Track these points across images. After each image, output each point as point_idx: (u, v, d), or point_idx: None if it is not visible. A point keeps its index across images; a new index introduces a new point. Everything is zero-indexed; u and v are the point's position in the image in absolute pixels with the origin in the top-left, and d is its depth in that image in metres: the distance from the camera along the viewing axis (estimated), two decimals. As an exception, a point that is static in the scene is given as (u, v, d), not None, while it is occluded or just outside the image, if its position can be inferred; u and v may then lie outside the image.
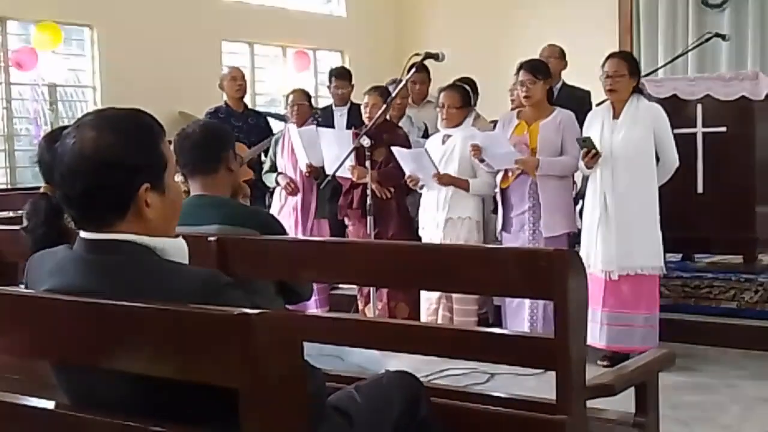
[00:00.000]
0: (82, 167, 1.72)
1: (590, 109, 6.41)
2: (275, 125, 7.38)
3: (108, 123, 1.77)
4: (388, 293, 5.74)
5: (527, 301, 5.28)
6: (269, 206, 6.58)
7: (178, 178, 3.38)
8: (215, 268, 2.84)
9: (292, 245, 2.83)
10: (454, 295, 5.47)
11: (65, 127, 3.51)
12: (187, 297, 1.64)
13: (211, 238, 2.85)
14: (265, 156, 6.66)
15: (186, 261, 1.84)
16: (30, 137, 7.90)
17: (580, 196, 6.92)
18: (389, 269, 2.54)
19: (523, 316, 5.33)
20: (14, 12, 7.74)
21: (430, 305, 5.55)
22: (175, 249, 1.83)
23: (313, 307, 6.13)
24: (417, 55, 5.44)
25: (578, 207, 6.77)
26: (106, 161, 1.72)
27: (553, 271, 2.25)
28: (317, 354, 3.00)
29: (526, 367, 2.39)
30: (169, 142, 3.10)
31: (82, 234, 1.79)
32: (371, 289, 5.32)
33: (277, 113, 8.10)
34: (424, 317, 5.57)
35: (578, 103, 6.06)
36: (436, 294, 5.48)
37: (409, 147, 5.73)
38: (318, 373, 1.91)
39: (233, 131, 6.41)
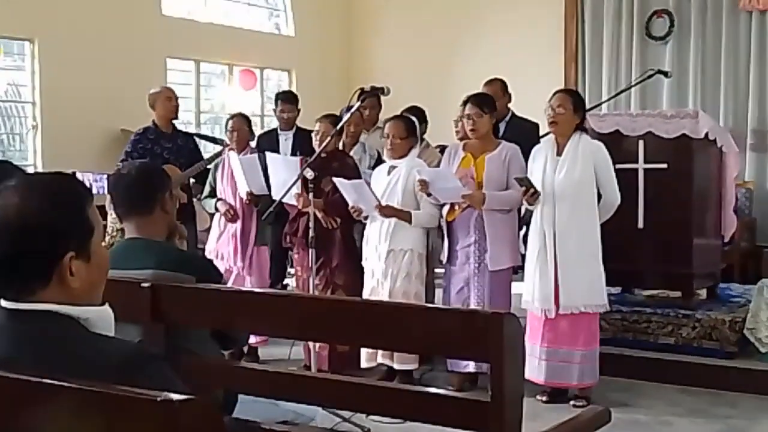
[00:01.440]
0: (3, 234, 1.65)
1: (538, 140, 6.48)
2: (204, 146, 7.25)
3: (32, 188, 1.70)
4: (324, 282, 5.68)
5: (472, 305, 5.28)
6: (197, 230, 6.49)
7: (111, 218, 3.32)
8: (148, 316, 2.79)
9: (227, 295, 2.77)
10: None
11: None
12: (108, 372, 1.58)
13: (145, 284, 2.80)
14: (196, 180, 6.56)
15: (111, 331, 1.78)
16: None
17: (525, 222, 6.97)
18: (327, 324, 2.50)
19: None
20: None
21: None
22: (100, 319, 1.76)
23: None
24: (362, 92, 5.44)
25: (522, 233, 6.83)
26: (28, 228, 1.65)
27: (490, 334, 2.23)
28: (252, 400, 2.95)
29: (459, 429, 2.34)
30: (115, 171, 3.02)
31: (3, 303, 1.72)
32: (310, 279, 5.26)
33: (208, 135, 8.00)
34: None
35: (527, 135, 6.07)
36: (382, 296, 5.44)
37: (357, 176, 5.69)
38: None
39: (163, 152, 6.39)
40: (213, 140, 7.33)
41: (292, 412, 3.00)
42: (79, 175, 3.51)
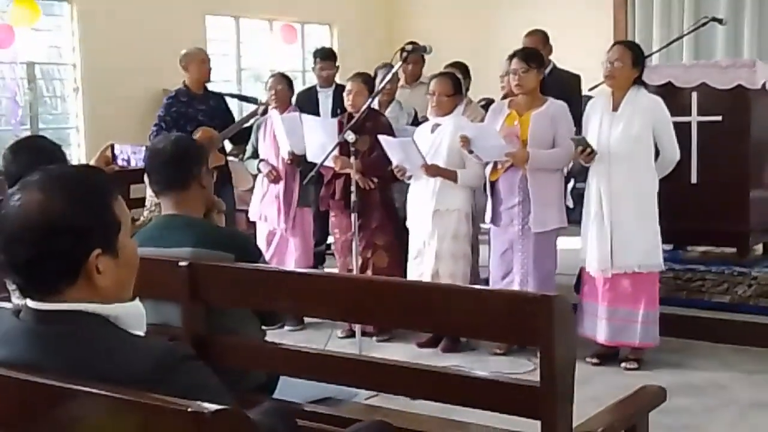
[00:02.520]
0: (27, 234, 1.58)
1: (580, 92, 6.30)
2: (241, 107, 7.14)
3: (55, 184, 1.62)
4: (364, 244, 5.60)
5: (516, 282, 5.19)
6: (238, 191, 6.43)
7: (150, 193, 3.25)
8: (186, 296, 2.73)
9: (266, 274, 2.69)
10: (443, 274, 5.34)
11: (31, 138, 3.38)
12: (139, 375, 1.53)
13: (182, 263, 2.74)
14: (231, 142, 6.47)
15: (143, 328, 1.71)
16: (7, 117, 7.70)
17: (572, 175, 6.81)
18: (369, 306, 2.42)
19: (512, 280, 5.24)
20: (-9, -12, 7.52)
21: (420, 277, 5.41)
22: (131, 316, 1.69)
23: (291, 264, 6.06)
24: (407, 45, 5.30)
25: (570, 186, 6.68)
26: (53, 227, 1.58)
27: (539, 318, 2.13)
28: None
29: (509, 414, 2.25)
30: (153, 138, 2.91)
31: (30, 303, 1.66)
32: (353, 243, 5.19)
33: (240, 94, 7.88)
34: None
35: (568, 87, 5.92)
36: (426, 269, 5.36)
37: (392, 135, 5.58)
38: None
39: (197, 115, 6.30)
40: (246, 99, 7.22)
41: (333, 388, 2.92)
42: (117, 148, 3.43)
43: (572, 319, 2.19)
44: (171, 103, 6.32)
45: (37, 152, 3.09)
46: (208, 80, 6.51)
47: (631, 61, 4.86)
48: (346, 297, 2.46)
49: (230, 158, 6.85)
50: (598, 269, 4.94)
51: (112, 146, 3.49)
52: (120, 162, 3.48)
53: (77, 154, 8.13)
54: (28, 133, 7.73)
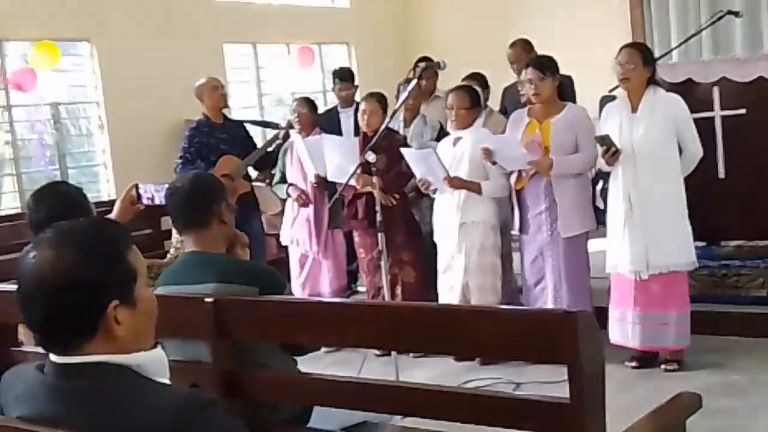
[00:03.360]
0: (42, 292, 1.60)
1: (573, 93, 6.28)
2: (258, 132, 7.19)
3: (67, 240, 1.64)
4: (391, 261, 5.58)
5: (549, 288, 5.16)
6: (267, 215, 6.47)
7: (175, 231, 3.28)
8: (213, 332, 2.74)
9: (290, 306, 2.69)
10: (472, 287, 5.33)
11: (53, 184, 3.42)
12: (162, 425, 1.54)
13: (208, 300, 2.75)
14: (255, 168, 6.51)
15: (166, 374, 1.72)
16: (36, 159, 7.81)
17: (600, 176, 6.77)
18: (393, 332, 2.41)
19: (545, 299, 5.22)
20: (10, 32, 7.62)
21: (451, 291, 5.40)
22: (153, 363, 1.70)
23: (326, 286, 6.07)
24: (421, 60, 5.31)
25: (598, 188, 6.63)
26: (68, 283, 1.60)
27: (564, 335, 2.11)
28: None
29: (540, 433, 2.23)
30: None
31: (51, 357, 1.67)
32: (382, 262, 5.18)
33: (260, 120, 7.92)
34: (443, 300, 5.44)
35: (560, 88, 5.88)
36: (456, 282, 5.35)
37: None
38: None
39: (219, 144, 6.34)
40: (267, 124, 7.27)
41: (367, 414, 2.91)
42: (141, 187, 3.46)
43: (598, 334, 2.17)
44: (193, 134, 6.35)
45: (59, 198, 3.13)
46: (225, 106, 6.53)
47: (641, 61, 4.83)
48: (371, 325, 2.45)
49: (256, 183, 6.90)
50: (632, 271, 4.89)
51: (137, 186, 3.52)
52: (145, 201, 3.51)
53: (106, 189, 8.22)
54: (57, 173, 7.84)
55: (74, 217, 2.97)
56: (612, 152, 4.81)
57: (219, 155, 6.23)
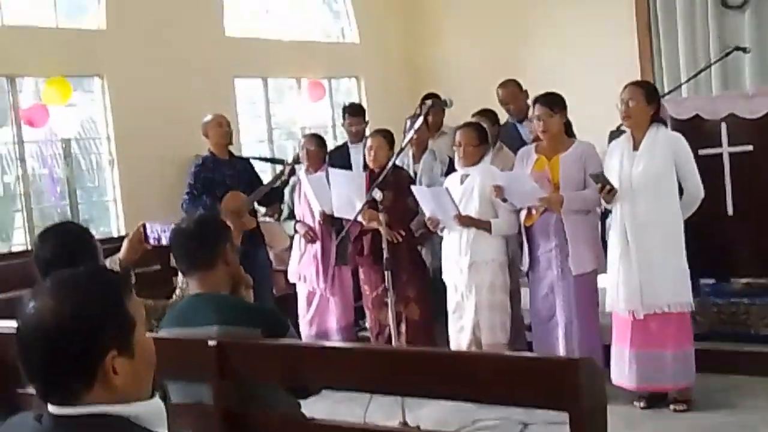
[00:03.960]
0: (40, 341, 1.60)
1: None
2: (262, 168, 7.22)
3: (65, 289, 1.64)
4: (395, 298, 5.55)
5: (560, 325, 5.14)
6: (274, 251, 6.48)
7: (180, 276, 3.28)
8: (215, 374, 2.73)
9: (293, 349, 2.69)
10: (483, 326, 5.31)
11: (59, 224, 3.44)
12: None
13: (211, 342, 2.75)
14: (260, 204, 6.54)
15: (164, 425, 1.72)
16: (47, 193, 7.86)
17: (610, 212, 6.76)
18: (397, 376, 2.41)
19: (555, 339, 5.18)
20: (23, 69, 7.69)
21: (462, 331, 5.38)
22: (152, 414, 1.70)
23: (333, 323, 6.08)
24: (428, 97, 5.34)
25: (608, 221, 6.62)
26: (65, 332, 1.59)
27: (566, 382, 2.10)
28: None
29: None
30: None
31: (50, 408, 1.67)
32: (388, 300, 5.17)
33: (266, 157, 7.97)
34: (453, 340, 5.44)
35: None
36: (466, 322, 5.33)
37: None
38: None
39: (225, 180, 6.37)
40: (272, 161, 7.30)
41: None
42: (148, 227, 3.48)
43: (601, 381, 2.16)
44: (199, 170, 6.41)
45: (64, 237, 3.14)
46: (230, 143, 6.59)
47: (644, 98, 4.85)
48: (373, 369, 2.45)
49: (265, 219, 6.92)
50: (626, 309, 4.87)
51: (144, 226, 3.53)
52: (152, 241, 3.52)
53: (116, 225, 8.25)
54: (67, 209, 7.88)
55: (79, 256, 3.02)
56: (607, 190, 4.81)
57: (225, 191, 6.27)
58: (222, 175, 6.35)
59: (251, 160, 6.91)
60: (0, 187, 8.04)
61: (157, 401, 1.74)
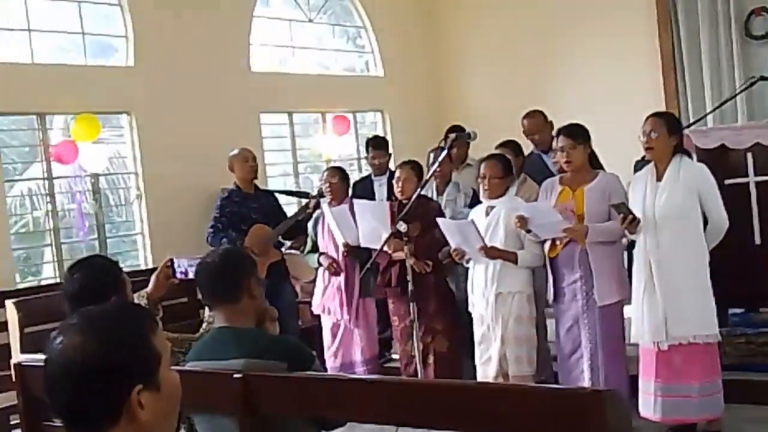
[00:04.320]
0: (67, 377, 1.62)
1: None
2: (287, 201, 7.27)
3: (92, 325, 1.67)
4: (423, 330, 5.58)
5: (585, 357, 5.11)
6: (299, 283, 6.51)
7: (207, 313, 3.31)
8: (241, 408, 2.74)
9: (318, 383, 2.70)
10: (510, 358, 5.29)
11: (88, 258, 3.48)
12: None
13: (237, 376, 2.76)
14: (284, 237, 6.57)
15: (188, 459, 1.73)
16: (76, 229, 7.94)
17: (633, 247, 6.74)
18: (419, 408, 2.41)
19: (580, 371, 5.15)
20: (52, 106, 7.81)
21: (488, 363, 5.37)
22: (175, 448, 1.71)
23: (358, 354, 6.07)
24: (452, 130, 5.36)
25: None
26: (91, 368, 1.62)
27: (590, 415, 2.09)
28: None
29: None
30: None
31: (75, 445, 1.69)
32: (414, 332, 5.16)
33: (292, 191, 8.02)
34: (480, 372, 5.43)
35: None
36: (493, 353, 5.32)
37: (442, 217, 5.62)
38: None
39: (251, 213, 6.43)
40: (297, 194, 7.35)
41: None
42: (175, 262, 3.52)
43: (626, 414, 2.15)
44: (224, 204, 6.48)
45: (92, 270, 3.18)
46: (255, 178, 6.65)
47: (666, 130, 4.83)
48: (398, 402, 2.45)
49: (290, 251, 6.95)
50: (651, 341, 4.83)
51: (172, 260, 3.57)
52: (179, 275, 3.56)
53: (144, 258, 8.31)
54: (96, 243, 7.96)
55: (108, 289, 3.05)
56: (630, 220, 4.78)
57: (250, 224, 6.32)
58: (247, 208, 6.41)
59: (276, 194, 6.96)
60: (30, 222, 8.14)
61: (181, 436, 1.76)
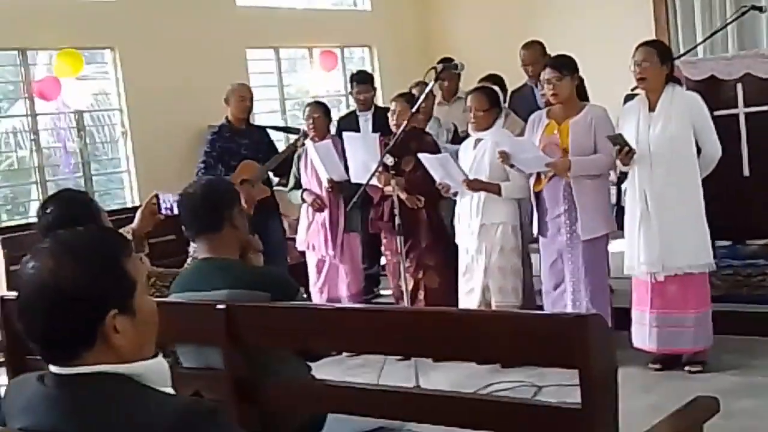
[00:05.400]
0: (40, 301, 1.60)
1: (585, 95, 6.22)
2: (277, 137, 7.23)
3: (65, 249, 1.64)
4: (415, 265, 5.58)
5: (568, 287, 5.12)
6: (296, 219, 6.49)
7: (191, 247, 3.27)
8: (225, 339, 2.73)
9: (301, 312, 2.68)
10: (493, 289, 5.30)
11: (60, 192, 3.43)
12: None
13: (219, 306, 2.74)
14: (274, 174, 6.53)
15: (168, 383, 1.71)
16: (61, 166, 7.87)
17: (625, 177, 6.73)
18: (407, 337, 2.40)
19: (565, 302, 5.17)
20: (34, 42, 7.69)
21: (471, 293, 5.38)
22: (154, 373, 1.69)
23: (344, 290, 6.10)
24: (441, 62, 5.29)
25: (623, 186, 6.58)
26: (65, 292, 1.59)
27: (575, 340, 2.09)
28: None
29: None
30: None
31: (51, 368, 1.67)
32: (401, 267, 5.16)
33: (281, 126, 7.96)
34: (463, 303, 5.42)
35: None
36: (476, 284, 5.32)
37: (438, 152, 5.56)
38: None
39: (241, 149, 6.38)
40: (287, 130, 7.29)
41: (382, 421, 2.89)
42: (161, 197, 3.46)
43: (610, 339, 2.15)
44: (214, 138, 6.42)
45: (63, 202, 3.14)
46: (248, 117, 6.57)
47: (658, 59, 4.77)
48: (383, 331, 2.44)
49: (279, 188, 6.91)
50: (647, 272, 4.83)
51: (157, 196, 3.52)
52: (164, 211, 3.51)
53: (130, 196, 8.27)
54: (81, 181, 7.90)
55: (82, 220, 3.01)
56: (626, 152, 4.74)
57: (240, 160, 6.28)
58: (237, 144, 6.38)
59: (268, 130, 6.91)
60: (15, 161, 8.07)
61: (159, 360, 1.73)
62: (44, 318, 1.61)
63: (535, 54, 6.45)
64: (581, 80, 5.30)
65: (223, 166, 6.28)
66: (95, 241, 1.68)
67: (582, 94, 5.23)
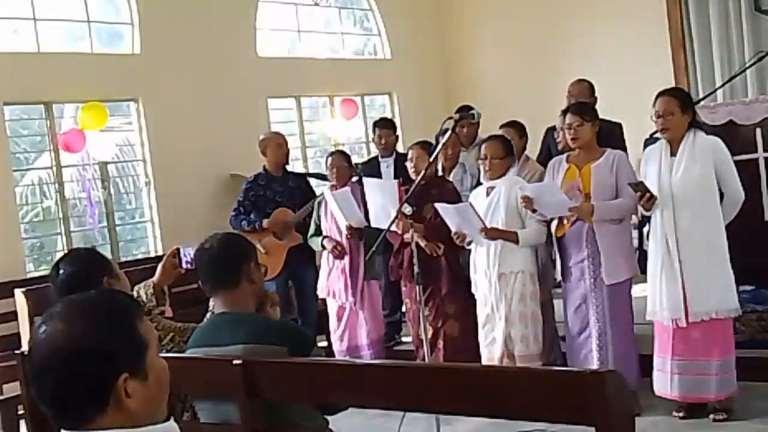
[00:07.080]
0: (52, 364, 1.61)
1: (623, 140, 6.23)
2: (317, 185, 7.30)
3: (77, 312, 1.65)
4: (434, 313, 5.57)
5: (593, 336, 5.08)
6: (319, 267, 6.51)
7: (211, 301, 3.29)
8: (242, 393, 2.73)
9: (319, 367, 2.69)
10: (515, 338, 5.27)
11: (75, 251, 3.46)
12: None
13: (237, 362, 2.75)
14: (310, 219, 6.60)
15: (177, 449, 1.72)
16: (85, 218, 7.95)
17: (647, 220, 6.70)
18: (423, 392, 2.39)
19: (588, 351, 5.12)
20: (60, 96, 7.82)
21: (493, 344, 5.34)
22: (165, 436, 1.70)
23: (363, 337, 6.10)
24: (459, 110, 5.33)
25: (645, 230, 6.55)
26: (77, 356, 1.60)
27: (592, 396, 2.07)
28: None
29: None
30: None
31: (62, 432, 1.68)
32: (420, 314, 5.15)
33: (318, 173, 8.03)
34: (485, 353, 5.39)
35: (611, 136, 5.82)
36: (498, 334, 5.29)
37: (458, 201, 5.56)
38: None
39: (275, 196, 6.46)
40: (323, 177, 7.35)
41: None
42: (181, 251, 3.49)
43: (628, 395, 2.13)
44: (249, 187, 6.57)
45: (77, 262, 3.17)
46: (287, 162, 6.72)
47: (679, 108, 4.77)
48: (400, 386, 2.44)
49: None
50: (670, 318, 4.79)
51: (178, 249, 3.55)
52: (185, 265, 3.54)
53: (154, 245, 8.33)
54: (105, 231, 7.98)
55: (94, 276, 3.04)
56: (647, 198, 4.73)
57: (274, 207, 6.41)
58: (273, 192, 6.50)
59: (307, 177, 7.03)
60: (40, 212, 8.16)
61: (171, 425, 1.74)
62: (55, 379, 1.61)
63: (584, 90, 6.48)
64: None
65: (256, 213, 6.39)
66: (106, 303, 1.70)
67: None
